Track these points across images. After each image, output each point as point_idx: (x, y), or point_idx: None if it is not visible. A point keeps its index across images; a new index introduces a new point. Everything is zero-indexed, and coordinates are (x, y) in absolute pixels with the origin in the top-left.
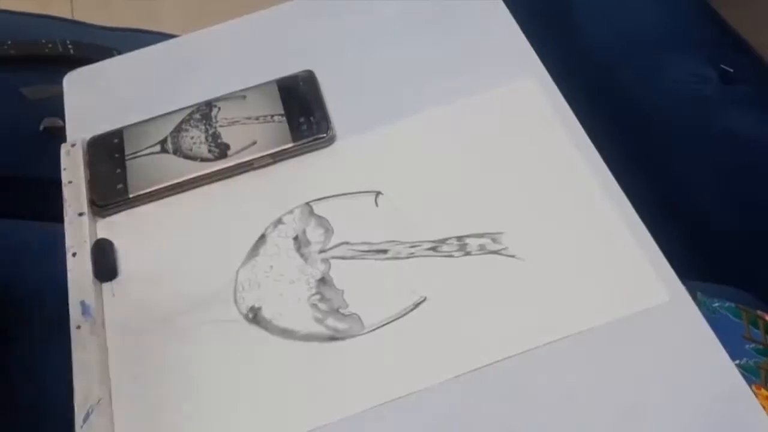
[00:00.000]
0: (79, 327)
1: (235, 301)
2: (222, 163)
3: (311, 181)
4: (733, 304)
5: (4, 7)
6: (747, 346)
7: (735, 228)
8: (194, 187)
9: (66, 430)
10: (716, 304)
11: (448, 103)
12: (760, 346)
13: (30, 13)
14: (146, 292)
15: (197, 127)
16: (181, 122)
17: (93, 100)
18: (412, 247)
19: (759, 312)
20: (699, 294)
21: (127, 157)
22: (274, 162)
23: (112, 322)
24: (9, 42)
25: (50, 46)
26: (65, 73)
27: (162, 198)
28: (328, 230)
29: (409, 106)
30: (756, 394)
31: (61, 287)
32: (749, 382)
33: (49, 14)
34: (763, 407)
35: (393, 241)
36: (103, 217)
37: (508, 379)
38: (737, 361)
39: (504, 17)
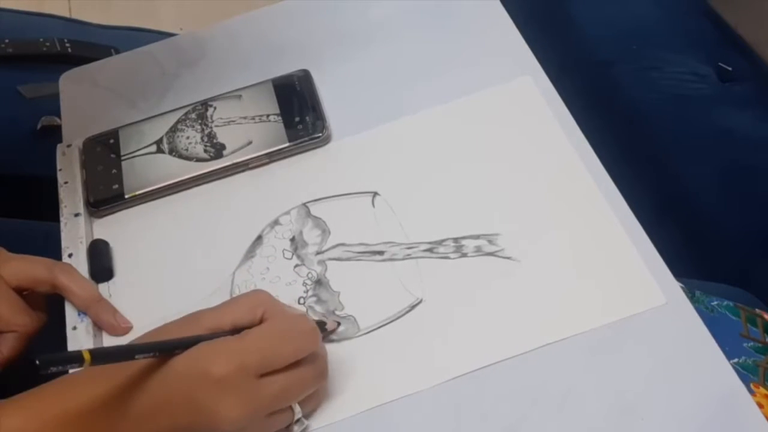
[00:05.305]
0: (75, 328)
1: None
2: (218, 163)
3: (307, 181)
4: (731, 303)
5: (1, 5)
6: (745, 344)
7: (733, 226)
8: (190, 188)
9: None
10: (715, 303)
11: (444, 103)
12: (759, 345)
13: (28, 12)
14: (142, 293)
15: (193, 126)
16: (177, 122)
17: (89, 100)
18: (409, 248)
19: (757, 310)
20: (697, 292)
21: (122, 158)
22: (270, 162)
23: None
24: (7, 40)
25: (48, 44)
26: (63, 71)
27: (158, 198)
28: (325, 231)
29: (405, 106)
30: (754, 392)
31: None
32: (747, 381)
33: (47, 12)
34: (761, 405)
35: (389, 242)
36: (99, 217)
37: (503, 382)
38: (735, 360)
39: (501, 17)
